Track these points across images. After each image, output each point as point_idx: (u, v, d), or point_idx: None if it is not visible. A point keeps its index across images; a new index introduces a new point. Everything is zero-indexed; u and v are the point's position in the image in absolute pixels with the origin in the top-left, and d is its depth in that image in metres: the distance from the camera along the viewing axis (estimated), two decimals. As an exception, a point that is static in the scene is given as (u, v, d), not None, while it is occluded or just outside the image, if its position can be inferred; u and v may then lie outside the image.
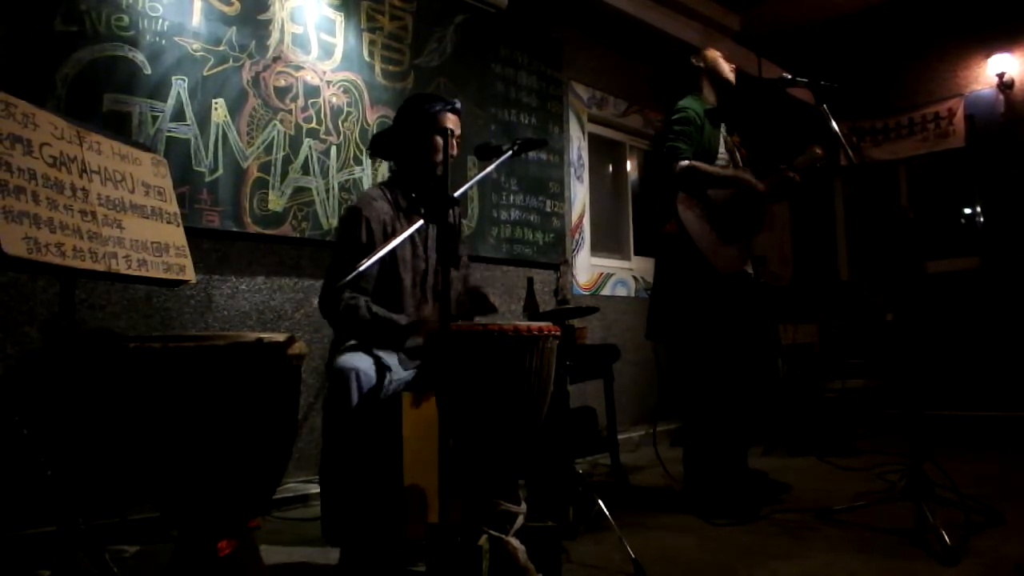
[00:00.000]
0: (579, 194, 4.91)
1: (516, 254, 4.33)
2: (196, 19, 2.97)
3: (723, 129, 3.00)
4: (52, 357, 2.52)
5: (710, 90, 3.00)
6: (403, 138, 2.34)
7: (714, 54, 3.02)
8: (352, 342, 2.12)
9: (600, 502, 2.26)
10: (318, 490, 2.90)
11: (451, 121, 2.31)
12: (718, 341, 2.82)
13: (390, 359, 2.10)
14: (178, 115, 2.89)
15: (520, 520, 1.90)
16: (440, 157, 2.28)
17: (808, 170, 2.91)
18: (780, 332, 4.68)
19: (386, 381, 2.02)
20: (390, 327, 2.13)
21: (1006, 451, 3.95)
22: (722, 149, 2.95)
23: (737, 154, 3.03)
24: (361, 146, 3.53)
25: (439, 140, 2.29)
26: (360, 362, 1.97)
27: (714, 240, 2.79)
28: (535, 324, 1.88)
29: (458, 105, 2.35)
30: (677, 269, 2.87)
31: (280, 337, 1.70)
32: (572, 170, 4.86)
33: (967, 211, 5.17)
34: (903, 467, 2.53)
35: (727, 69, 3.00)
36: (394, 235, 2.14)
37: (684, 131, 2.80)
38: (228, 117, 3.04)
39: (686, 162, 2.74)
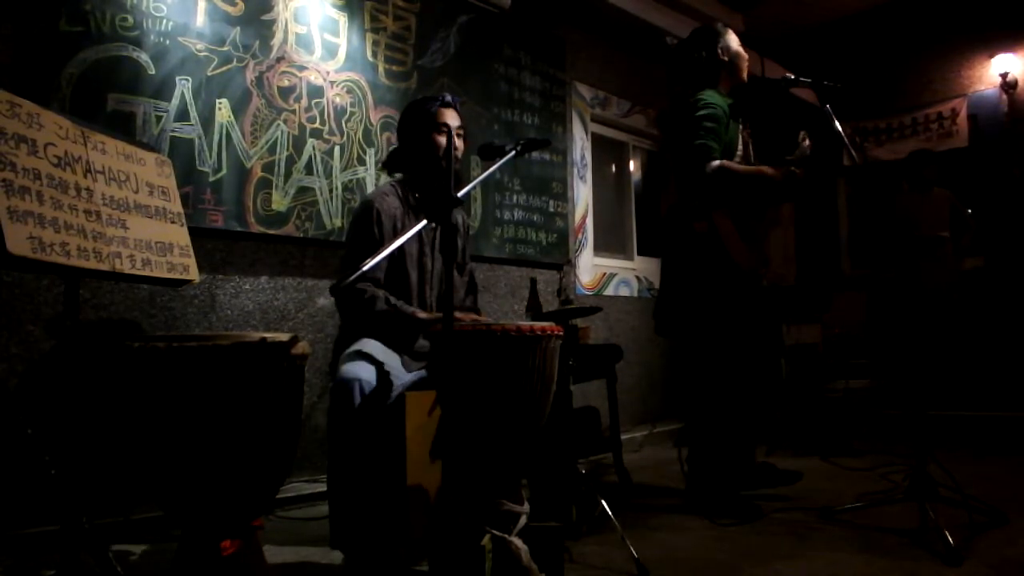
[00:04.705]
0: (582, 194, 4.91)
1: (519, 254, 4.33)
2: (200, 19, 2.97)
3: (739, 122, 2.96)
4: (56, 356, 2.53)
5: (726, 83, 2.94)
6: (408, 143, 2.36)
7: (737, 47, 2.95)
8: (355, 345, 2.12)
9: (603, 502, 2.25)
10: (321, 490, 2.92)
11: (448, 116, 2.31)
12: (731, 341, 2.79)
13: (393, 362, 2.10)
14: (182, 115, 2.90)
15: (523, 520, 1.90)
16: (442, 153, 2.28)
17: (806, 162, 2.86)
18: (783, 332, 4.67)
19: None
20: (408, 321, 2.14)
21: (1010, 452, 3.94)
22: (739, 144, 2.91)
23: (749, 148, 2.99)
24: (364, 146, 3.53)
25: (440, 138, 2.30)
26: (362, 371, 1.97)
27: (738, 239, 2.76)
28: (538, 324, 1.88)
29: (448, 98, 2.34)
30: (701, 267, 2.80)
31: (284, 337, 1.71)
32: (575, 170, 4.85)
33: (970, 211, 5.16)
34: (906, 467, 2.53)
35: (744, 67, 2.95)
36: (403, 231, 2.15)
37: (714, 129, 2.72)
38: (232, 117, 3.05)
39: (717, 162, 2.68)
